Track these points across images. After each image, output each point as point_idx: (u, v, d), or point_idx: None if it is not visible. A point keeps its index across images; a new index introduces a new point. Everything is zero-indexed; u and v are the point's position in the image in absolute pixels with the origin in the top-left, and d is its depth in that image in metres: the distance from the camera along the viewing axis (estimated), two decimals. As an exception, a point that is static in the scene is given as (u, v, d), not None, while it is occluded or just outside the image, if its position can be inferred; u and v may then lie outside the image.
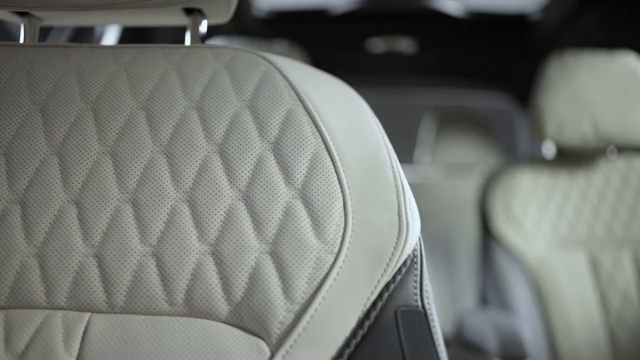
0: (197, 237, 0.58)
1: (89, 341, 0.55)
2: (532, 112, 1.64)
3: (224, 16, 0.78)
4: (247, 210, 0.59)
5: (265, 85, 0.65)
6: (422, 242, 0.62)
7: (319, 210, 0.58)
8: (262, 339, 0.55)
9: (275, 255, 0.57)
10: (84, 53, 0.69)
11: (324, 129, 0.62)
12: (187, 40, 0.76)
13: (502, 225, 1.58)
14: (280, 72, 0.66)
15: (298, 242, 0.57)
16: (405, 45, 2.36)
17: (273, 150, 0.61)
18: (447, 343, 2.15)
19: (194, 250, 0.58)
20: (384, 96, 3.10)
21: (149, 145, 0.62)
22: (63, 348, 0.55)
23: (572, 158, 1.68)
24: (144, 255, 0.58)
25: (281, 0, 2.23)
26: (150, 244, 0.58)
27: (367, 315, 0.56)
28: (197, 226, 0.58)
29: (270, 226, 0.58)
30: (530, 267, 1.54)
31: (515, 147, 2.92)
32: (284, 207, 0.58)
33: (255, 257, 0.57)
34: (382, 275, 0.57)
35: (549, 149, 1.72)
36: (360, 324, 0.55)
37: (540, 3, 2.16)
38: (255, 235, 0.58)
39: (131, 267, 0.57)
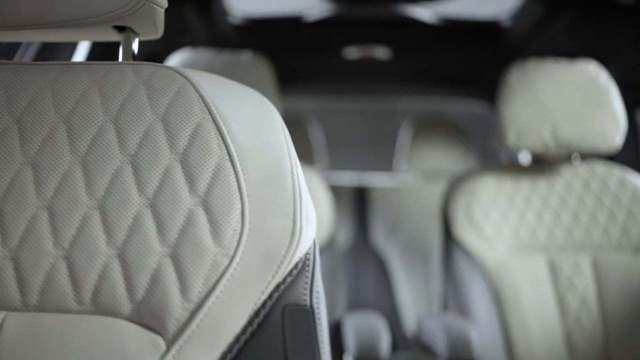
0: (106, 242, 0.64)
1: (3, 337, 0.61)
2: (495, 119, 1.69)
3: (154, 34, 0.84)
4: (153, 217, 0.64)
5: (178, 100, 0.70)
6: (316, 246, 0.67)
7: (218, 217, 0.64)
8: (160, 334, 0.61)
9: (175, 258, 0.62)
10: (13, 70, 0.74)
11: (229, 141, 0.68)
12: (120, 57, 0.82)
13: (464, 231, 1.63)
14: (195, 87, 0.72)
15: (197, 246, 0.63)
16: (380, 52, 2.42)
17: (180, 161, 0.67)
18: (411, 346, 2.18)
19: (101, 254, 0.63)
20: (361, 104, 3.16)
21: (67, 157, 0.68)
22: None
23: (538, 164, 1.72)
24: (56, 258, 0.63)
25: (256, 9, 2.29)
26: (63, 247, 0.64)
27: (257, 313, 0.62)
28: (106, 231, 0.64)
29: (172, 231, 0.63)
30: (490, 272, 1.59)
31: (496, 153, 2.97)
32: (186, 214, 0.64)
33: (157, 260, 0.63)
34: (273, 277, 0.62)
35: (525, 156, 1.76)
36: (250, 322, 0.61)
37: (511, 10, 2.21)
38: (159, 240, 0.63)
39: (44, 268, 0.63)
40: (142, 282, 0.62)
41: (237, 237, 0.63)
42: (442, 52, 2.48)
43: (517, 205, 1.66)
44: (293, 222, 0.64)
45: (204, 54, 1.64)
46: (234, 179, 0.66)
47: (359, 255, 2.54)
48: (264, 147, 0.69)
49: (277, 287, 0.63)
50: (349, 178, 2.81)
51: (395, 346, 2.46)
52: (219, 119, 0.69)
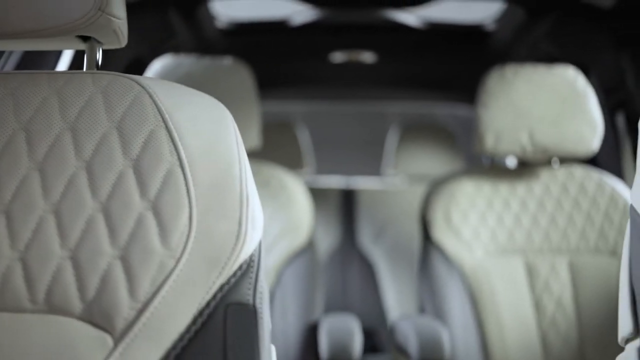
0: (60, 244, 0.67)
1: None
2: (474, 124, 1.72)
3: (117, 43, 0.88)
4: (105, 220, 0.68)
5: (134, 108, 0.74)
6: (261, 248, 0.71)
7: (166, 221, 0.67)
8: (109, 332, 0.64)
9: (125, 260, 0.66)
10: None
11: (181, 148, 0.71)
12: (85, 65, 0.86)
13: (442, 234, 1.66)
14: (150, 95, 0.75)
15: (145, 248, 0.66)
16: (366, 56, 2.45)
17: (133, 167, 0.70)
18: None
19: (55, 256, 0.67)
20: (349, 107, 3.19)
21: (25, 162, 0.71)
22: None
23: (518, 168, 1.75)
24: (12, 260, 0.67)
25: (242, 14, 2.33)
26: (18, 249, 0.67)
27: (201, 313, 0.65)
28: (60, 234, 0.68)
29: (122, 234, 0.67)
30: (467, 275, 1.61)
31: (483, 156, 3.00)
32: (137, 218, 0.68)
33: (108, 262, 0.66)
34: (217, 278, 0.66)
35: (510, 159, 1.79)
36: (194, 321, 0.65)
37: (495, 15, 2.25)
38: (109, 242, 0.67)
39: (0, 270, 0.67)
40: (93, 283, 0.65)
41: (184, 240, 0.66)
42: (429, 56, 2.51)
43: (496, 209, 1.69)
44: (239, 225, 0.68)
45: (185, 60, 1.68)
46: (183, 185, 0.69)
47: (346, 257, 2.57)
48: (214, 154, 0.72)
49: (221, 287, 0.66)
50: (337, 181, 2.84)
51: (382, 348, 2.49)
52: (172, 127, 0.73)
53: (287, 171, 1.70)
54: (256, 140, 1.64)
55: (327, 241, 2.59)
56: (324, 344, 1.41)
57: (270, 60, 2.45)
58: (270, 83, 2.56)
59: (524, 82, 1.66)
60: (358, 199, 2.67)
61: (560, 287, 1.62)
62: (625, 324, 0.78)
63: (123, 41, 0.87)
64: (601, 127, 1.65)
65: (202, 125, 0.75)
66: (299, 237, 1.64)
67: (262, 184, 1.66)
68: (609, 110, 2.05)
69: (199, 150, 0.72)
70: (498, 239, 1.65)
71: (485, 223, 1.66)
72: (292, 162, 2.64)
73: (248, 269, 0.68)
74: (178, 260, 0.66)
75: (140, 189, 0.69)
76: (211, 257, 0.66)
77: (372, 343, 2.58)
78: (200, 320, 0.65)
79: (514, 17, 2.13)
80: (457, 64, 2.53)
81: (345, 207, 2.67)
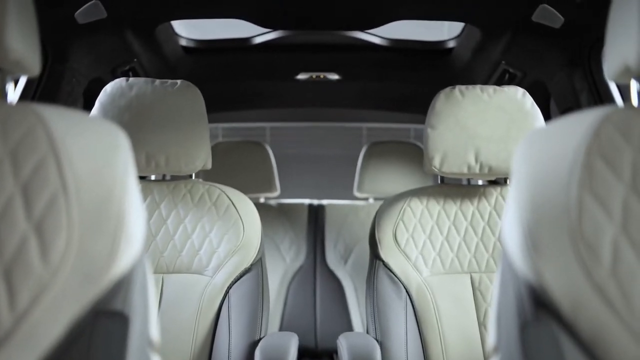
0: None
1: None
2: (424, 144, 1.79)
3: (27, 72, 0.97)
4: None
5: (27, 137, 0.83)
6: (141, 264, 0.80)
7: (47, 240, 0.76)
8: None
9: (7, 275, 0.75)
10: None
11: (67, 173, 0.80)
12: None
13: (390, 253, 1.72)
14: (45, 125, 0.85)
15: (26, 265, 0.75)
16: (331, 75, 2.55)
17: (22, 192, 0.79)
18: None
19: None
20: (317, 125, 3.29)
21: None
22: None
23: (467, 186, 1.82)
24: None
25: (205, 36, 2.44)
26: None
27: (74, 324, 0.74)
28: None
29: (7, 252, 0.76)
30: (414, 294, 1.68)
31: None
32: (21, 237, 0.77)
33: None
34: (91, 291, 0.75)
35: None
36: (69, 331, 0.74)
37: (457, 34, 2.35)
38: None
39: None
40: None
41: (62, 257, 0.75)
42: (393, 74, 2.60)
43: (444, 228, 1.75)
44: (113, 243, 0.77)
45: (136, 81, 1.76)
46: (64, 208, 0.78)
47: (314, 274, 2.65)
48: (98, 179, 0.81)
49: (96, 300, 0.75)
50: (308, 197, 2.93)
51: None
52: (61, 154, 0.82)
53: (235, 191, 1.78)
54: (207, 161, 1.72)
55: (296, 257, 2.68)
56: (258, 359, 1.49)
57: (232, 80, 2.55)
58: (231, 103, 2.66)
59: (472, 102, 1.72)
60: (327, 213, 2.76)
61: None
62: (490, 337, 0.87)
63: (33, 70, 0.97)
64: None
65: (91, 151, 0.84)
66: (248, 256, 1.72)
67: (211, 205, 1.74)
68: None
69: (84, 175, 0.81)
70: (445, 259, 1.72)
71: (433, 242, 1.73)
72: (263, 183, 2.73)
73: (123, 282, 0.77)
74: (55, 276, 0.75)
75: (26, 212, 0.78)
76: (86, 272, 0.75)
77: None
78: (74, 331, 0.74)
79: (472, 36, 2.22)
80: (421, 82, 2.62)
81: (314, 222, 2.76)
